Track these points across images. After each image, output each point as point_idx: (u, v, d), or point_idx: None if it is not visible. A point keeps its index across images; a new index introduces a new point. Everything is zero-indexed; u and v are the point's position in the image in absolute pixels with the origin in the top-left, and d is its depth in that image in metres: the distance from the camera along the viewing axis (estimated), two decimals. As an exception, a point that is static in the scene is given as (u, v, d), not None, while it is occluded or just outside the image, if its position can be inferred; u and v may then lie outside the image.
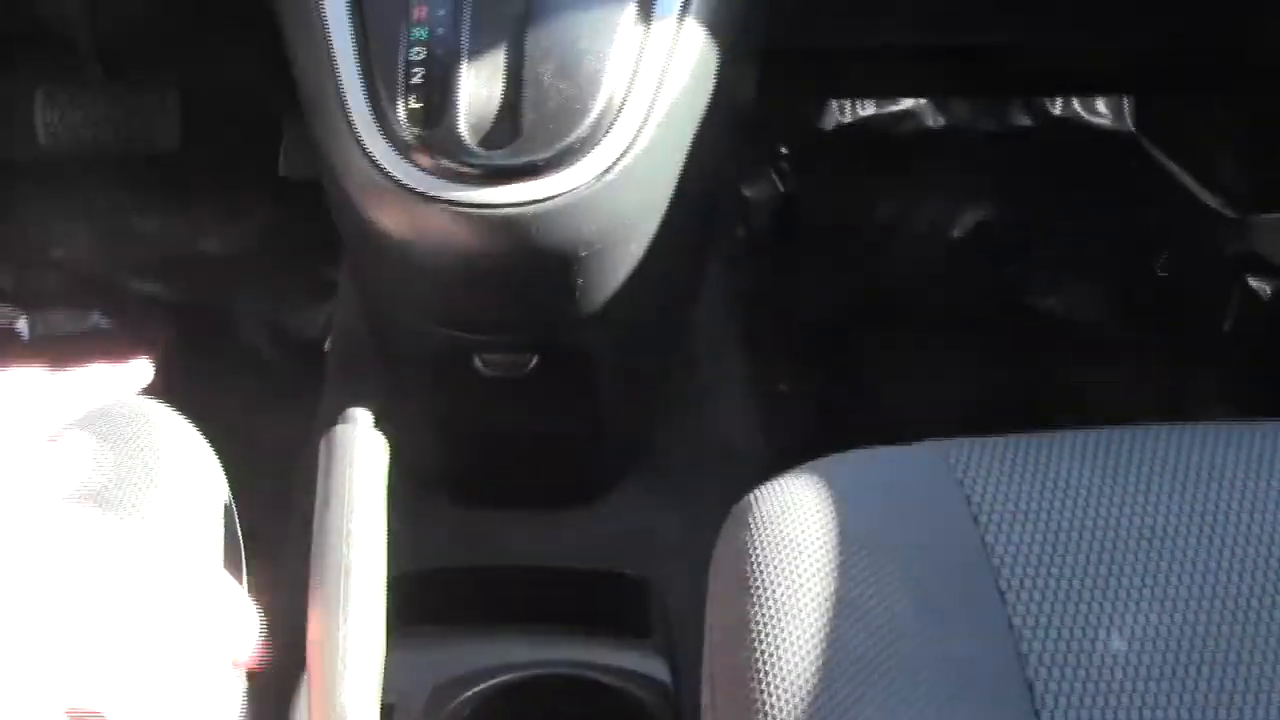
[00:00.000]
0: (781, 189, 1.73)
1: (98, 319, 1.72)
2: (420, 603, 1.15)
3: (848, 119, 1.78)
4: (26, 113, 1.69)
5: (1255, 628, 0.73)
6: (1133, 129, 1.78)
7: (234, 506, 0.85)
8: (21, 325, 1.71)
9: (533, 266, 0.91)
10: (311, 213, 1.11)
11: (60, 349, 1.46)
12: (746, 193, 1.71)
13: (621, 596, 1.20)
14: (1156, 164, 1.74)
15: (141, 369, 0.80)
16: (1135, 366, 1.59)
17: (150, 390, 0.82)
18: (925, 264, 1.70)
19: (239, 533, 0.85)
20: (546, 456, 1.22)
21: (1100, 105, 1.79)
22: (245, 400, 1.55)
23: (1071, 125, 1.79)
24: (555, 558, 1.23)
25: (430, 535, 1.22)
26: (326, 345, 1.61)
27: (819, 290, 1.67)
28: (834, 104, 1.77)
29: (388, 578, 0.74)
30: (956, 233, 1.72)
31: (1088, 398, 1.54)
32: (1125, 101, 1.77)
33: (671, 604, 1.19)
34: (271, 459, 1.24)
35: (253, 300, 1.72)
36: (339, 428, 0.81)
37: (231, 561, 0.82)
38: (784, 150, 1.74)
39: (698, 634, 0.81)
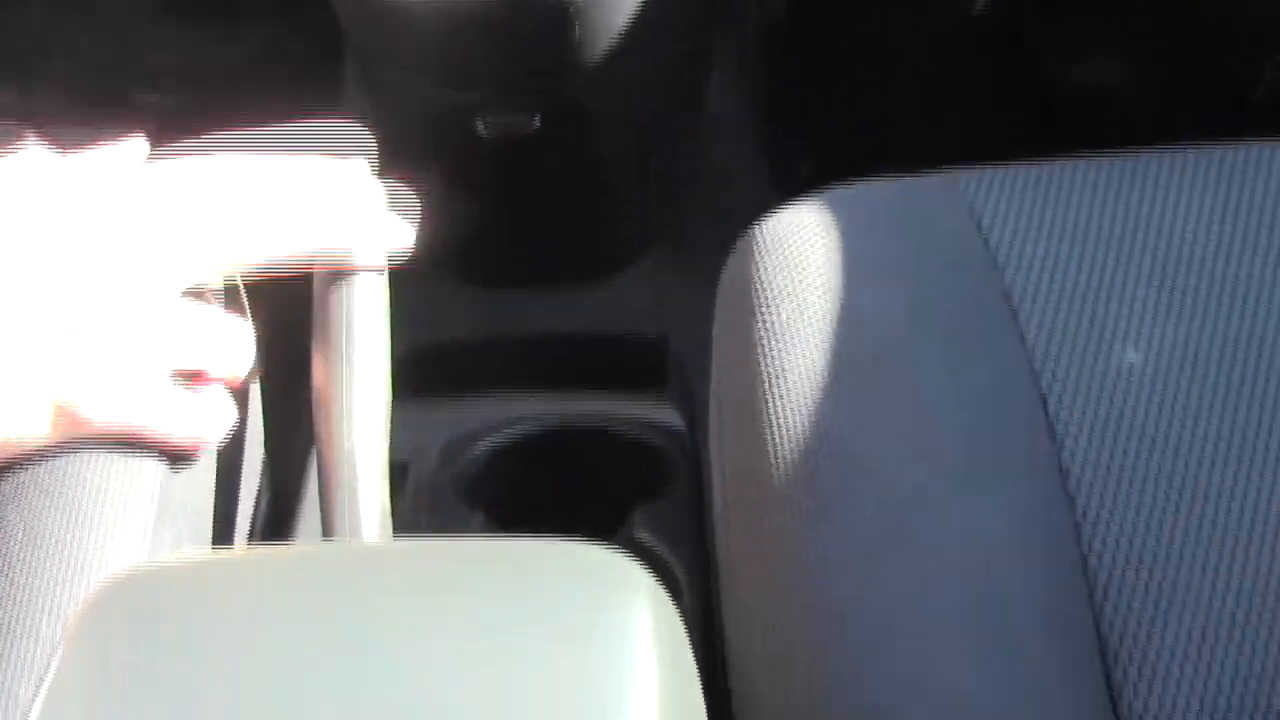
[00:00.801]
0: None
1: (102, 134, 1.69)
2: (431, 373, 1.14)
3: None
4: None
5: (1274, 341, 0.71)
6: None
7: None
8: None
9: (530, 17, 0.89)
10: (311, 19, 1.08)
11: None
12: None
13: (637, 354, 1.18)
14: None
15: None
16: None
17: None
18: (944, 45, 1.65)
19: None
20: (556, 228, 1.19)
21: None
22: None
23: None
24: (571, 329, 1.21)
25: (440, 312, 1.20)
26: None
27: (837, 75, 1.62)
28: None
29: (396, 352, 0.72)
30: (977, 9, 1.67)
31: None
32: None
33: (689, 361, 1.17)
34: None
35: (256, 112, 1.69)
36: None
37: None
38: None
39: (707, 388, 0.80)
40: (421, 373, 1.10)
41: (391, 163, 1.15)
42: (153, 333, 0.64)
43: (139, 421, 0.64)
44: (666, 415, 1.12)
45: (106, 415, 0.63)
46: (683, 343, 1.18)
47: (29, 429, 0.61)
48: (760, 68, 1.50)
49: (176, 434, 0.66)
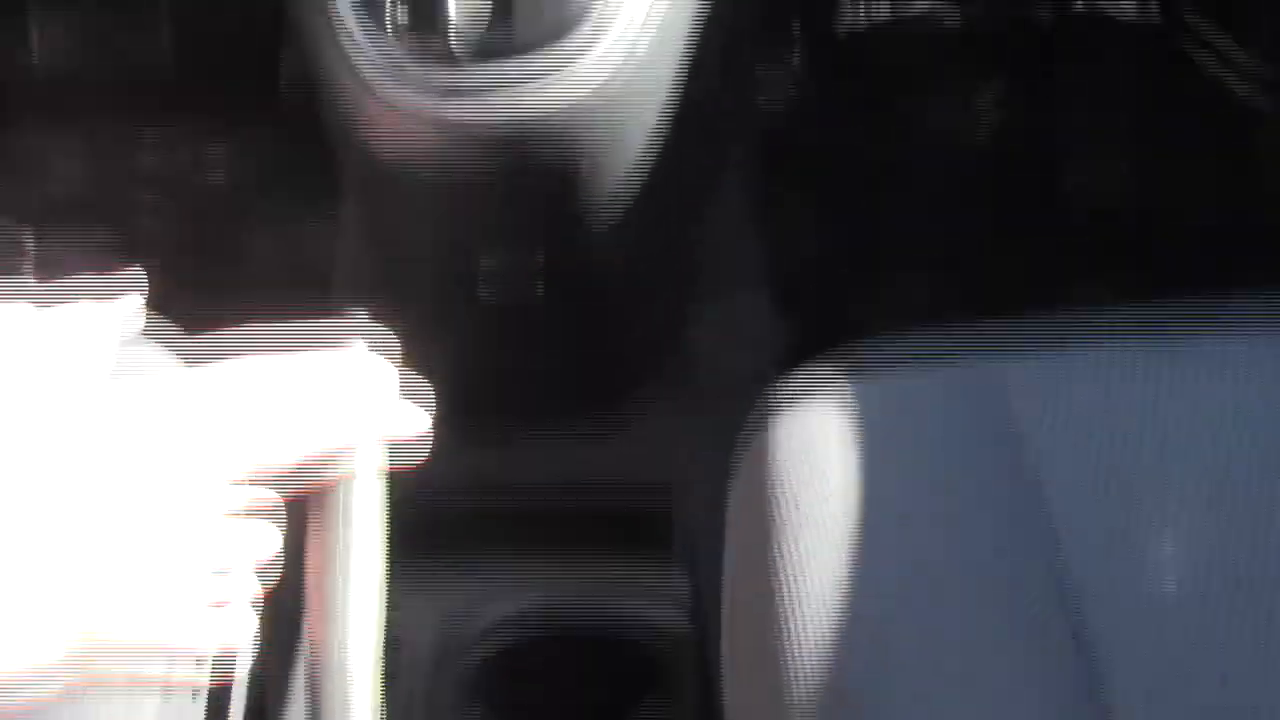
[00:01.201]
0: (796, 93, 1.67)
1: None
2: (427, 543, 1.11)
3: (862, 24, 1.72)
4: (21, 32, 1.65)
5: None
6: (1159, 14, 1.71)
7: None
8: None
9: (530, 182, 0.87)
10: (315, 136, 1.06)
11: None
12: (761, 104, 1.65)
13: (642, 512, 1.16)
14: (1185, 53, 1.67)
15: (131, 303, 0.74)
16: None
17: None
18: (950, 168, 1.64)
19: None
20: (557, 377, 1.17)
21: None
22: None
23: (1093, 17, 1.72)
24: (572, 484, 1.19)
25: (436, 467, 1.17)
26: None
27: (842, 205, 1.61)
28: (849, 6, 1.71)
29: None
30: (986, 141, 1.66)
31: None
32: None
33: (694, 522, 1.14)
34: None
35: (260, 233, 1.68)
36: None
37: None
38: (796, 60, 1.68)
39: (720, 544, 0.77)
40: (417, 541, 1.07)
41: (392, 319, 1.14)
42: (188, 545, 0.61)
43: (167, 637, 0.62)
44: (672, 586, 1.09)
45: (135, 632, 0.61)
46: (686, 483, 1.16)
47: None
48: (763, 201, 1.49)
49: (203, 647, 0.64)
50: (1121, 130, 1.67)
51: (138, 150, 1.71)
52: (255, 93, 1.61)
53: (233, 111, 1.68)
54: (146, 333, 0.75)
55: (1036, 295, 1.51)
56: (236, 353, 0.66)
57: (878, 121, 1.67)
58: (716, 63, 0.94)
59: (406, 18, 0.83)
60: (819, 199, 1.59)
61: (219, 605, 0.63)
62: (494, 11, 0.82)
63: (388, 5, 0.83)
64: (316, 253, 1.63)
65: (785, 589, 0.69)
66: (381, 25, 0.84)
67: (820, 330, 1.46)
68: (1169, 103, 1.67)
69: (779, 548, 0.70)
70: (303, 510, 0.68)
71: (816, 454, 0.72)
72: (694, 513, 1.13)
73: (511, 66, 0.82)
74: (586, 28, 0.83)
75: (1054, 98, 1.68)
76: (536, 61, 0.82)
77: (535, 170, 0.85)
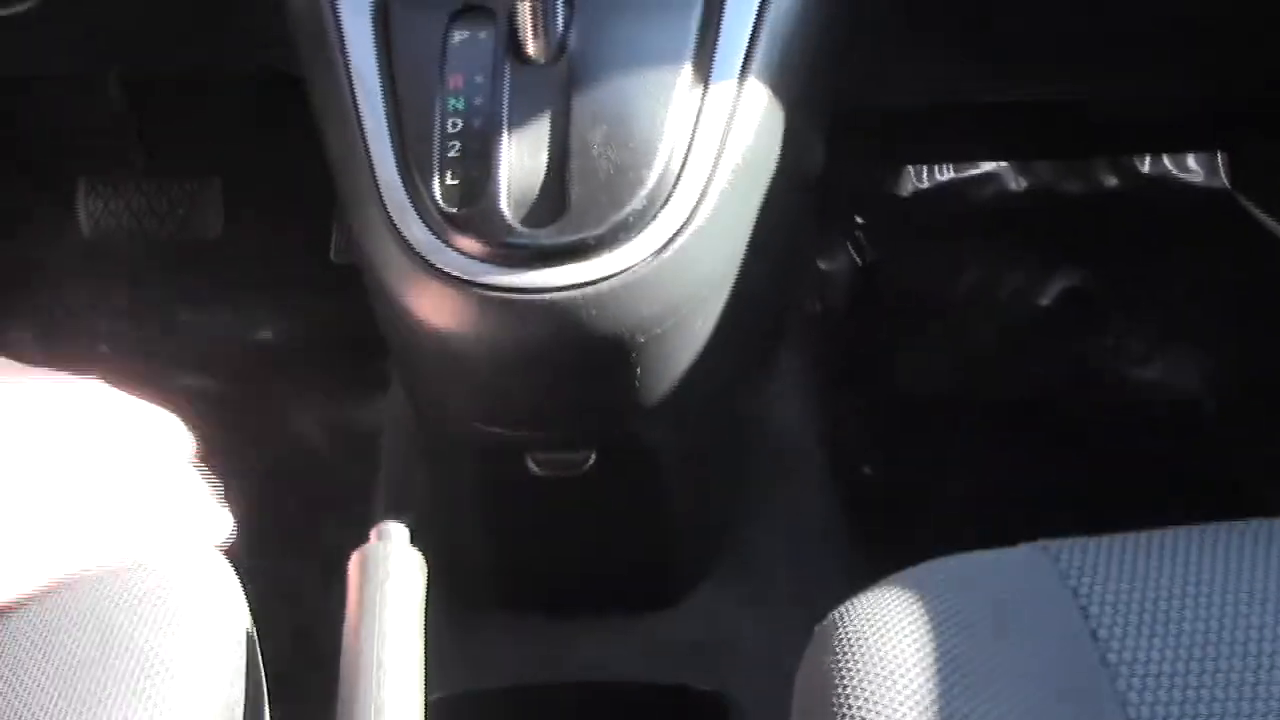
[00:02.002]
0: (859, 261, 1.63)
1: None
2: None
3: (925, 184, 1.68)
4: (69, 204, 1.64)
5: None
6: (1228, 185, 1.67)
7: (257, 640, 0.77)
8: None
9: (585, 356, 0.83)
10: (365, 300, 1.03)
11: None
12: (822, 265, 1.61)
13: (693, 713, 1.10)
14: (1255, 221, 1.63)
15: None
16: (1247, 444, 1.47)
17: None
18: (1013, 336, 1.59)
19: (261, 671, 0.77)
20: (610, 560, 1.12)
21: (1192, 161, 1.69)
22: (298, 500, 1.48)
23: (1162, 184, 1.68)
24: (621, 670, 1.13)
25: (482, 649, 1.13)
26: (381, 439, 1.53)
27: (901, 367, 1.57)
28: (910, 170, 1.67)
29: (431, 700, 0.67)
30: (1045, 301, 1.62)
31: (1199, 480, 1.43)
32: (1220, 156, 1.67)
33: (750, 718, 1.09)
34: (320, 565, 1.16)
35: (304, 392, 1.65)
36: (371, 545, 0.73)
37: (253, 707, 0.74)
38: (859, 220, 1.64)
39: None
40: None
41: (437, 484, 1.10)
42: None
43: None
44: None
45: None
46: (745, 687, 1.10)
47: None
48: (821, 372, 1.45)
49: None
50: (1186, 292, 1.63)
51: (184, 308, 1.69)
52: (306, 256, 1.59)
53: (283, 275, 1.66)
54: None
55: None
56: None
57: (938, 279, 1.64)
58: (780, 227, 0.90)
59: (457, 187, 0.80)
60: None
61: None
62: (550, 203, 0.79)
63: (435, 175, 0.80)
64: (360, 417, 1.61)
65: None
66: (428, 191, 0.80)
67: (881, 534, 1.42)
68: (1232, 261, 1.63)
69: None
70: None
71: (884, 664, 0.66)
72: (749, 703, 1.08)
73: (565, 236, 0.78)
74: (645, 195, 0.79)
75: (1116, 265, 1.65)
76: (591, 230, 0.78)
77: (588, 341, 0.80)
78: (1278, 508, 0.78)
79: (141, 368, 1.66)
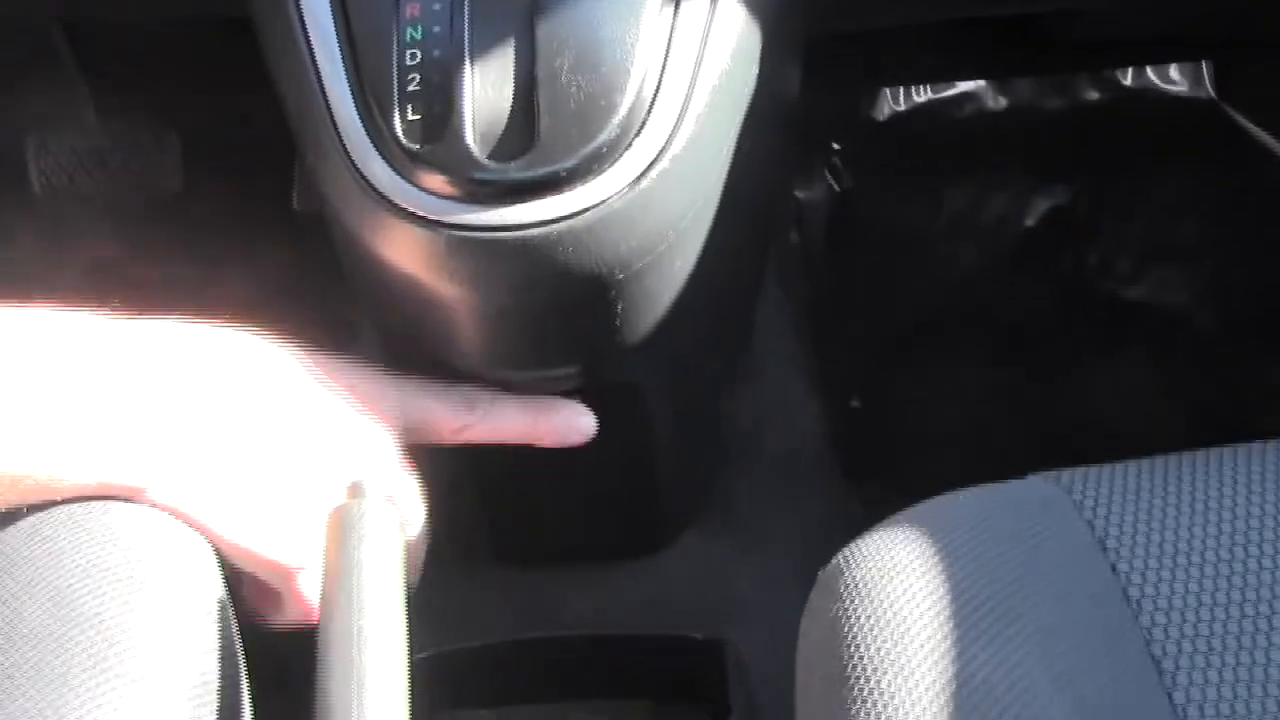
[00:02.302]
0: (836, 187, 1.59)
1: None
2: (461, 684, 1.03)
3: (902, 106, 1.64)
4: (19, 160, 1.58)
5: None
6: (1213, 94, 1.63)
7: (232, 613, 0.73)
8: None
9: (562, 294, 0.78)
10: (331, 249, 0.99)
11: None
12: (799, 194, 1.57)
13: (693, 664, 1.06)
14: (1242, 131, 1.59)
15: None
16: (1242, 365, 1.44)
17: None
18: (999, 259, 1.56)
19: (237, 644, 0.73)
20: (597, 506, 1.08)
21: (1174, 72, 1.64)
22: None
23: (1145, 96, 1.64)
24: (616, 620, 1.10)
25: (472, 605, 1.10)
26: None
27: (884, 295, 1.53)
28: (886, 92, 1.63)
29: (421, 658, 0.63)
30: (1030, 221, 1.58)
31: (1197, 405, 1.40)
32: (1204, 66, 1.62)
33: (752, 666, 1.05)
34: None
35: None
36: (346, 504, 0.69)
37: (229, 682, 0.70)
38: (836, 146, 1.59)
39: (782, 706, 0.68)
40: (448, 686, 0.99)
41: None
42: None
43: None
44: None
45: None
46: (743, 633, 1.07)
47: None
48: (802, 303, 1.41)
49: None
50: (1172, 206, 1.60)
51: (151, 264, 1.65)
52: (269, 206, 1.55)
53: (246, 227, 1.61)
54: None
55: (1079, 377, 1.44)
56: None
57: (919, 204, 1.60)
58: (758, 155, 0.86)
59: (419, 123, 0.75)
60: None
61: None
62: (518, 135, 0.74)
63: (396, 110, 0.75)
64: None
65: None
66: (388, 127, 0.76)
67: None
68: (1219, 173, 1.60)
69: (858, 689, 0.61)
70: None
71: (896, 615, 0.63)
72: (755, 664, 1.05)
73: (536, 169, 0.74)
74: (617, 124, 0.74)
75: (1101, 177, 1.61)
76: (562, 163, 0.74)
77: (564, 278, 0.76)
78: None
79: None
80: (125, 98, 1.53)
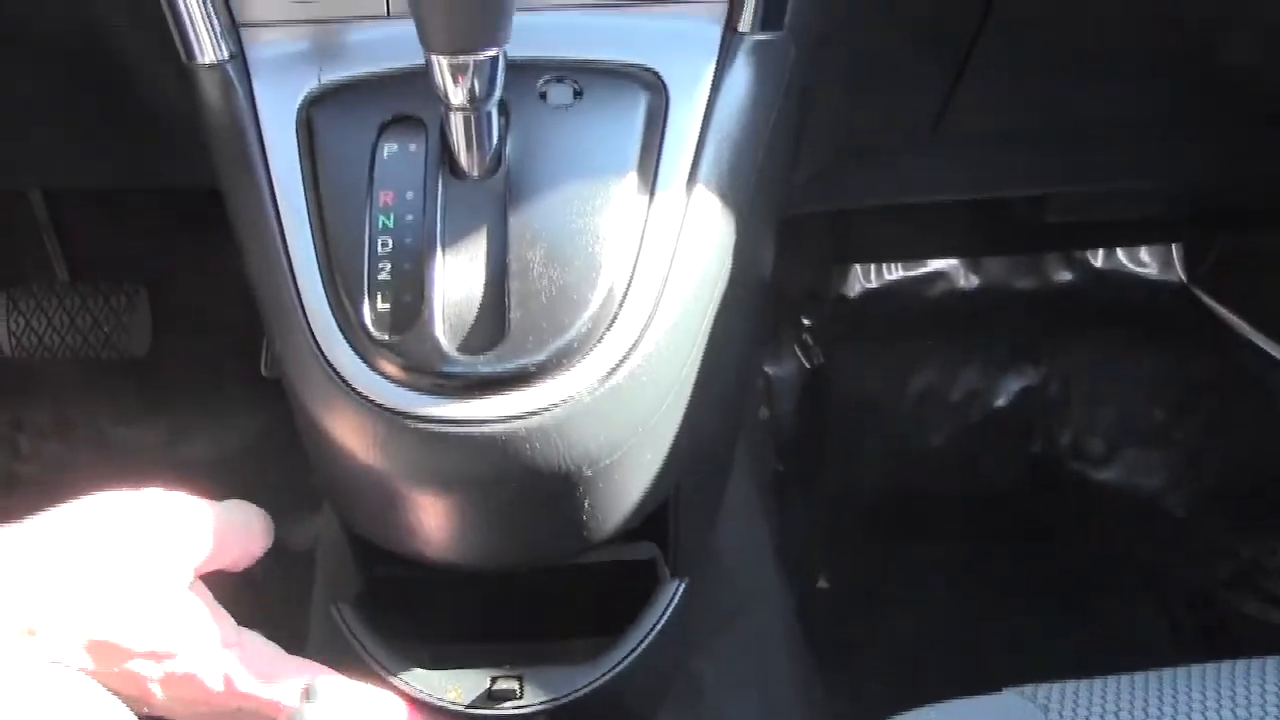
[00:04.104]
0: (807, 364, 1.59)
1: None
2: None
3: (874, 283, 1.64)
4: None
5: None
6: (1183, 277, 1.64)
7: None
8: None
9: (528, 492, 0.77)
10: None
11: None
12: (769, 370, 1.57)
13: None
14: (1211, 314, 1.60)
15: None
16: (1216, 549, 1.43)
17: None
18: (968, 438, 1.55)
19: None
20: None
21: (1145, 254, 1.66)
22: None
23: (1116, 277, 1.65)
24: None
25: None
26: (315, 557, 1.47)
27: (853, 472, 1.52)
28: (857, 268, 1.64)
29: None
30: (1000, 401, 1.58)
31: (1165, 577, 1.39)
32: (1174, 249, 1.64)
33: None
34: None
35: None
36: (301, 709, 0.67)
37: None
38: (806, 321, 1.60)
39: None
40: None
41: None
42: None
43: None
44: None
45: None
46: None
47: None
48: (770, 480, 1.40)
49: None
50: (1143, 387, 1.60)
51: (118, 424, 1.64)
52: (237, 370, 1.54)
53: (214, 391, 1.61)
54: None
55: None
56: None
57: (889, 380, 1.60)
58: (731, 337, 0.85)
59: (388, 313, 0.75)
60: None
61: None
62: (488, 328, 0.74)
63: (365, 299, 0.75)
64: (294, 534, 1.55)
65: None
66: (357, 315, 0.75)
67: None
68: (1189, 354, 1.60)
69: None
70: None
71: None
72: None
73: (505, 364, 0.73)
74: (588, 318, 0.74)
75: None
76: (532, 357, 0.73)
77: (531, 476, 0.75)
78: (1252, 619, 0.74)
79: (68, 489, 1.60)
80: (98, 259, 1.52)
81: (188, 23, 0.81)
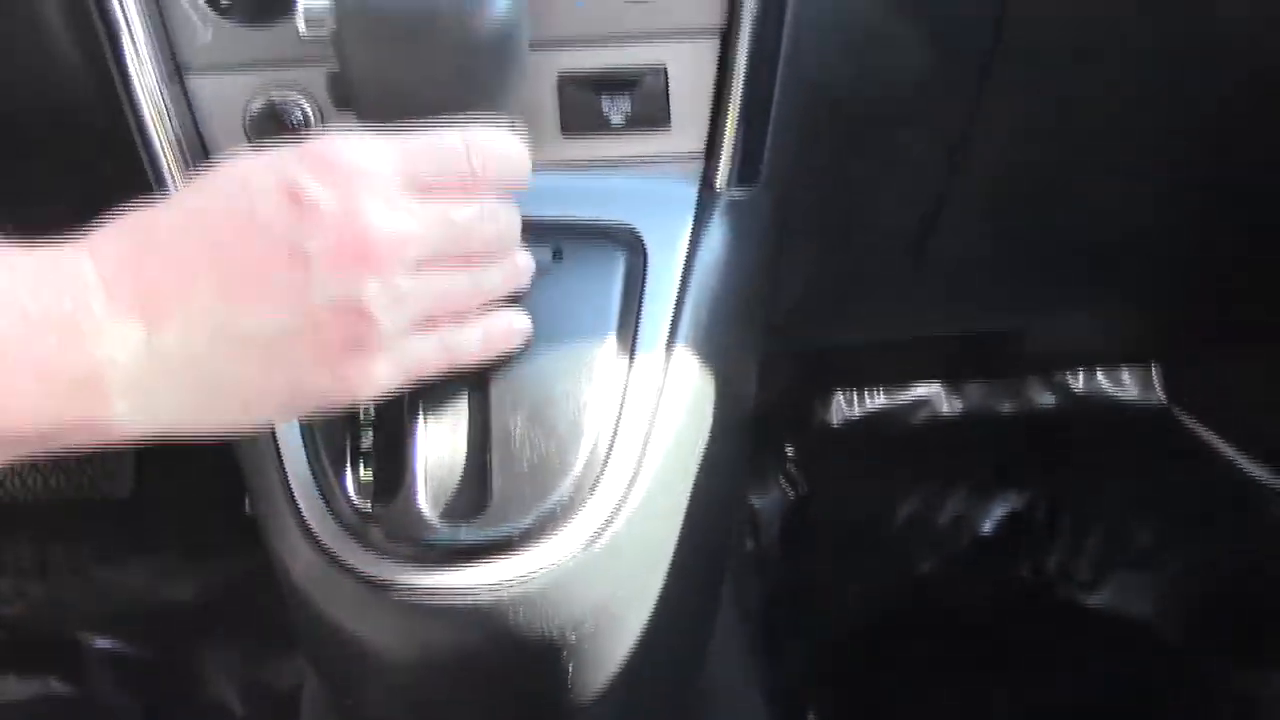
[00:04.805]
0: (791, 493, 1.59)
1: (54, 685, 1.57)
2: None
3: (856, 411, 1.65)
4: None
5: None
6: (1163, 399, 1.65)
7: None
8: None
9: (512, 660, 0.77)
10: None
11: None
12: (754, 501, 1.57)
13: None
14: (1193, 436, 1.61)
15: None
16: (1201, 671, 1.43)
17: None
18: (955, 563, 1.55)
19: None
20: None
21: (1125, 376, 1.67)
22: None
23: (1097, 400, 1.66)
24: None
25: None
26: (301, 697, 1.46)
27: (840, 601, 1.52)
28: (840, 397, 1.64)
29: None
30: (986, 527, 1.58)
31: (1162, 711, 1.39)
32: (1154, 370, 1.65)
33: None
34: None
35: (222, 651, 1.58)
36: None
37: None
38: (790, 450, 1.60)
39: None
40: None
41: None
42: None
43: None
44: None
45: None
46: None
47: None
48: (757, 612, 1.40)
49: None
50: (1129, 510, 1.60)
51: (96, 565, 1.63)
52: (222, 509, 1.54)
53: (198, 531, 1.60)
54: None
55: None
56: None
57: (874, 507, 1.60)
58: (716, 501, 0.85)
59: (370, 483, 0.75)
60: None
61: None
62: (470, 496, 0.74)
63: (348, 468, 0.75)
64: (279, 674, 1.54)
65: None
66: (340, 485, 0.75)
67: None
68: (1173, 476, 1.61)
69: None
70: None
71: None
72: None
73: (488, 532, 0.73)
74: (571, 483, 0.74)
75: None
76: (515, 524, 0.73)
77: (515, 644, 0.75)
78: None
79: (51, 629, 1.59)
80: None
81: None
